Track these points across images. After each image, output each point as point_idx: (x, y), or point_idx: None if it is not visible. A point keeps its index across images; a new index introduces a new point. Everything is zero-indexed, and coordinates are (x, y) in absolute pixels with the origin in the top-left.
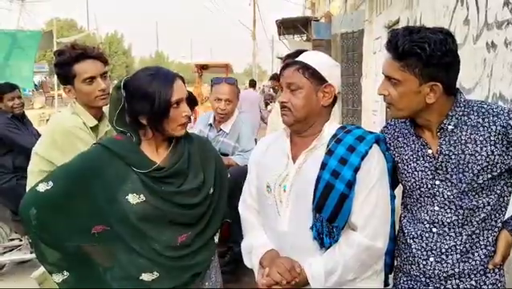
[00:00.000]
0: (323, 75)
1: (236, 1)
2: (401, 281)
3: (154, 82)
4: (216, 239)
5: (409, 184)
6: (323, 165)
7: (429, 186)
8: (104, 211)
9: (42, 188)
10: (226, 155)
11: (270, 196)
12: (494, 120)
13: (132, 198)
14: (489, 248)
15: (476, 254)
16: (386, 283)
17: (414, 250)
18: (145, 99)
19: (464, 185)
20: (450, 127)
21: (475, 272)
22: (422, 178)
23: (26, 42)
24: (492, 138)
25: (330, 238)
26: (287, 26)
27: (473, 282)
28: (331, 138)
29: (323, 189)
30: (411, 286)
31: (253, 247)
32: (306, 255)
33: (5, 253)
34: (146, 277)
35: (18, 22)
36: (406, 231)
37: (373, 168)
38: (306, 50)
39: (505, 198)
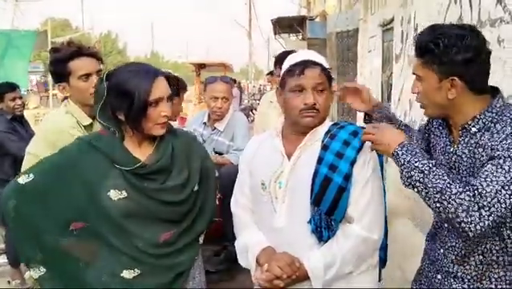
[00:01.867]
0: (333, 77)
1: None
2: (423, 267)
3: (133, 79)
4: (201, 240)
5: None
6: (320, 160)
7: None
8: (84, 207)
9: (22, 180)
10: (221, 154)
11: (265, 193)
12: None
13: (114, 194)
14: (486, 255)
15: (471, 259)
16: (378, 278)
17: (428, 240)
18: (123, 97)
19: None
20: (474, 129)
21: (469, 277)
22: None
23: (20, 41)
24: None
25: (328, 230)
26: (283, 25)
27: (466, 286)
28: (325, 134)
29: (321, 182)
30: (428, 273)
31: (249, 246)
32: (303, 250)
33: (0, 254)
34: (127, 274)
35: (12, 22)
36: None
37: (367, 162)
38: (293, 51)
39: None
